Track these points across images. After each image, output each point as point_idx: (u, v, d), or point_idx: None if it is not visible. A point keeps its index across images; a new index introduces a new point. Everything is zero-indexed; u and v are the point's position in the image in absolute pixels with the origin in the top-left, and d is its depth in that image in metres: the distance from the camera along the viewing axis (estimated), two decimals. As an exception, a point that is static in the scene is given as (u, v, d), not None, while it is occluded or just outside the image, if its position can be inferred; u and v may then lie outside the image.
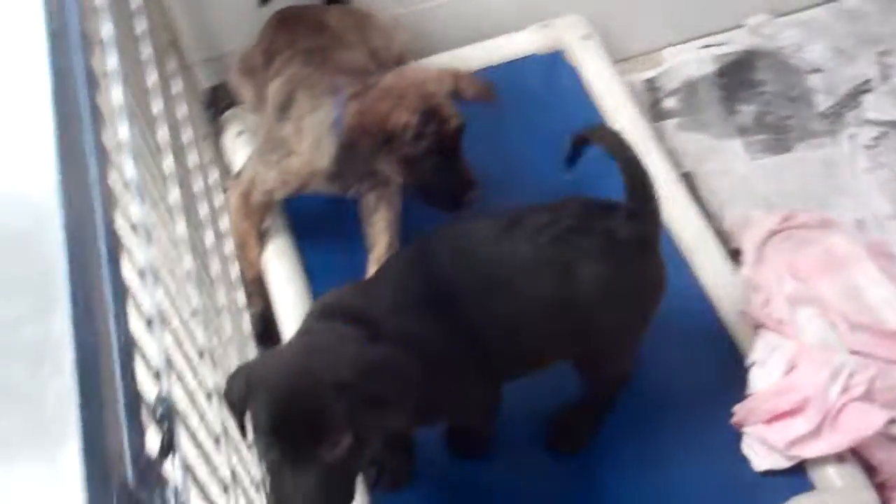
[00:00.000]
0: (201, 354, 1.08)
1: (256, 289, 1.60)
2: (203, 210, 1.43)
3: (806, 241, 1.52)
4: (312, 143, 1.43)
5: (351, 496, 1.02)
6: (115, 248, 0.69)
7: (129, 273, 0.85)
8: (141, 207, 0.91)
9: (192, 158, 1.46)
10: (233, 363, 1.30)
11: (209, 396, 1.05)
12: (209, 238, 1.42)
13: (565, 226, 1.18)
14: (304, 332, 1.13)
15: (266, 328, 1.60)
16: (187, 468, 0.85)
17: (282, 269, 1.58)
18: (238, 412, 1.03)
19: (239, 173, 1.59)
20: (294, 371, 1.02)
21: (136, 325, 0.83)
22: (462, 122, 1.38)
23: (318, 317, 1.14)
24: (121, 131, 0.94)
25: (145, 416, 0.78)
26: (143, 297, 0.85)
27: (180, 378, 0.94)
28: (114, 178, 0.84)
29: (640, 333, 1.29)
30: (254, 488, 1.16)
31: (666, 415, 1.42)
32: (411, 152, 1.36)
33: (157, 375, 0.82)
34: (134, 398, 0.61)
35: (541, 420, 1.41)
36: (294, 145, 1.45)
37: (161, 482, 0.62)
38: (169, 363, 0.87)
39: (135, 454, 0.57)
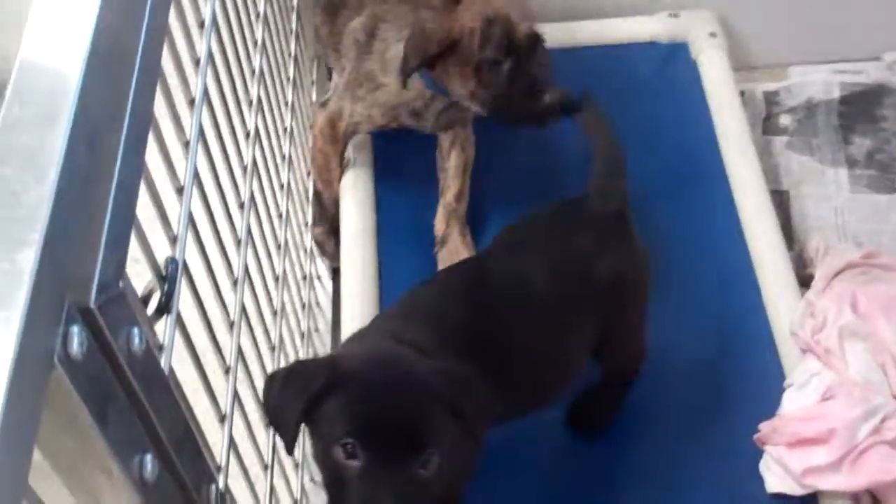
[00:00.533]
0: (239, 243, 1.10)
1: (327, 213, 1.64)
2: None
3: (878, 279, 1.48)
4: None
5: None
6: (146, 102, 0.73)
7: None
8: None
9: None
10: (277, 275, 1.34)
11: (235, 283, 1.08)
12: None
13: (558, 233, 1.20)
14: (368, 343, 1.07)
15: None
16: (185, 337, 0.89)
17: (355, 197, 1.62)
18: (305, 403, 0.93)
19: (325, 101, 1.62)
20: (398, 376, 0.94)
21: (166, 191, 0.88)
22: (534, 31, 1.36)
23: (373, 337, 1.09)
24: None
25: (151, 271, 0.82)
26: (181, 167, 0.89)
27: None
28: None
29: (645, 308, 1.29)
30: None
31: (693, 417, 1.41)
32: (479, 58, 1.35)
33: (174, 240, 0.86)
34: (120, 232, 0.64)
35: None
36: (380, 78, 1.47)
37: (131, 322, 0.65)
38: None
39: (104, 282, 0.61)
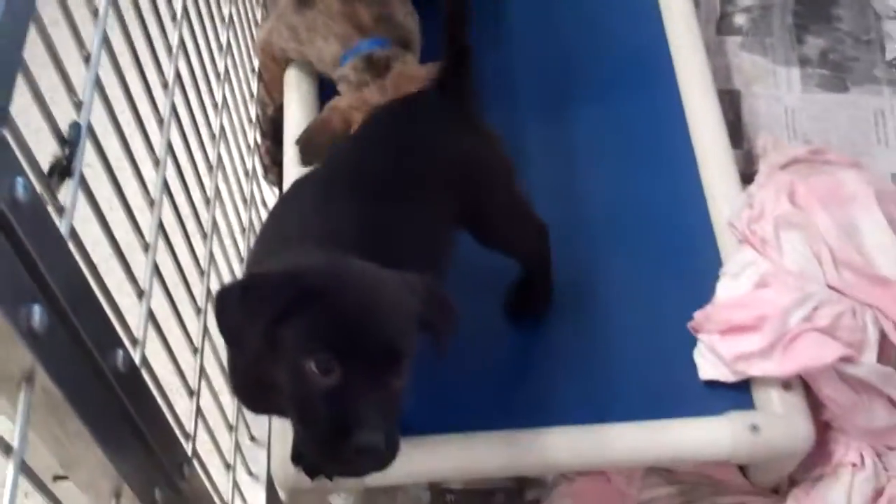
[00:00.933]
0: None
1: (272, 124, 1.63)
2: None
3: (820, 171, 1.48)
4: (316, 59, 1.48)
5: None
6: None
7: None
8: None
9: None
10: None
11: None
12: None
13: (405, 123, 1.20)
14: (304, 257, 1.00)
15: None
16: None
17: (299, 98, 1.59)
18: (270, 320, 0.88)
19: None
20: (371, 288, 0.91)
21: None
22: None
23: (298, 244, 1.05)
24: None
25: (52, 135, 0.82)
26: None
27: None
28: None
29: (515, 190, 1.29)
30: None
31: (629, 306, 1.42)
32: None
33: (77, 105, 0.85)
34: (5, 70, 0.63)
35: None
36: (303, 35, 1.48)
37: (15, 170, 0.64)
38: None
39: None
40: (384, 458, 0.89)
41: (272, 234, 1.13)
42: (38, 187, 0.76)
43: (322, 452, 0.90)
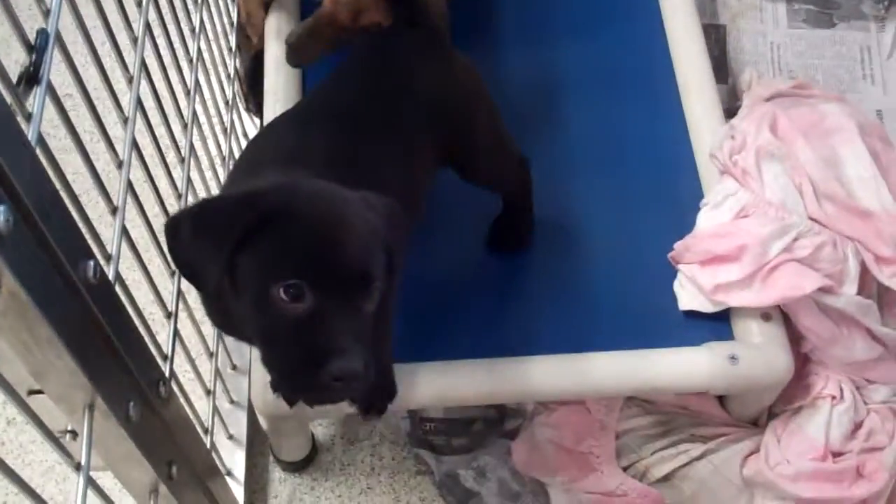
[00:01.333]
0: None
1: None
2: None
3: (801, 103, 1.48)
4: None
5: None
6: None
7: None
8: None
9: None
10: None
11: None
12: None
13: (378, 60, 1.19)
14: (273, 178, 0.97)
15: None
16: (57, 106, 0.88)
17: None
18: (231, 247, 0.85)
19: None
20: (338, 210, 0.88)
21: None
22: None
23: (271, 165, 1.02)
24: None
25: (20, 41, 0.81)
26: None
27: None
28: None
29: (496, 123, 1.28)
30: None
31: (610, 237, 1.42)
32: None
33: (46, 13, 0.84)
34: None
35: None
36: None
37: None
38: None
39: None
40: (364, 383, 0.87)
41: (245, 163, 1.12)
42: (7, 96, 0.75)
43: (298, 383, 0.88)
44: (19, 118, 0.77)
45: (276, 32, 1.55)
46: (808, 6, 1.85)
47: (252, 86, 1.65)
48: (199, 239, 0.86)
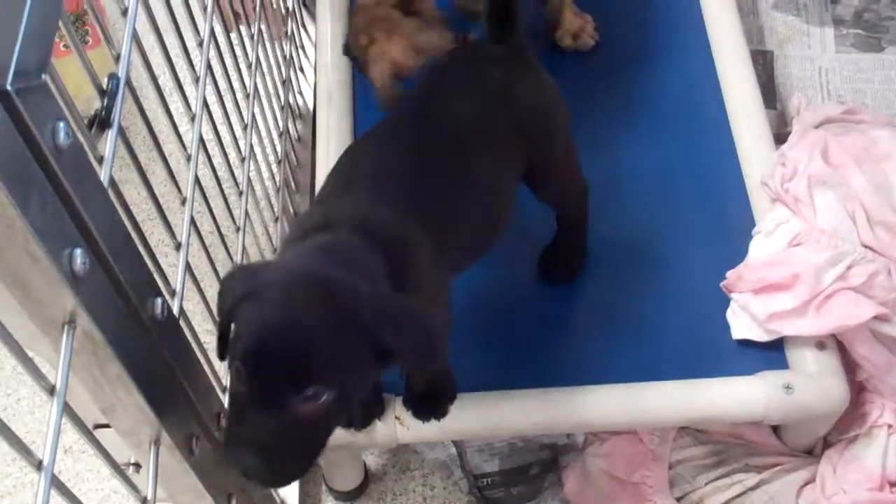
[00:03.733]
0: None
1: None
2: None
3: (852, 129, 1.47)
4: None
5: (315, 456, 0.88)
6: None
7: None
8: None
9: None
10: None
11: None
12: None
13: (469, 73, 1.18)
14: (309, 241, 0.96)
15: None
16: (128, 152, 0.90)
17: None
18: (224, 319, 0.88)
19: None
20: (300, 299, 0.85)
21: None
22: None
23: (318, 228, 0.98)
24: None
25: (92, 85, 0.83)
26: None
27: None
28: None
29: (569, 142, 1.28)
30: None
31: (662, 265, 1.42)
32: None
33: (117, 59, 0.86)
34: (43, 27, 0.64)
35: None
36: None
37: (57, 115, 0.65)
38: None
39: (24, 69, 0.61)
40: (260, 476, 0.84)
41: (331, 185, 1.11)
42: (80, 135, 0.77)
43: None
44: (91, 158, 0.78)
45: (328, 66, 1.58)
46: (856, 31, 1.84)
47: None
48: (219, 295, 0.91)
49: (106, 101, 0.81)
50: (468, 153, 1.12)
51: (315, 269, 0.88)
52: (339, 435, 1.25)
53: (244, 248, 1.25)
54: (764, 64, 1.80)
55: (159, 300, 0.83)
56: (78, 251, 0.68)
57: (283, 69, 1.61)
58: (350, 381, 0.85)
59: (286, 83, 1.60)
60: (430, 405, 1.26)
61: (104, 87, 0.82)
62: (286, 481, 0.89)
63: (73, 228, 0.69)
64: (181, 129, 1.03)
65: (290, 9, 1.71)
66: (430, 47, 1.39)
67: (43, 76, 0.64)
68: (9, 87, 0.60)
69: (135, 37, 0.89)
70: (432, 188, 1.06)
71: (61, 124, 0.66)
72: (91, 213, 0.70)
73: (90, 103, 0.81)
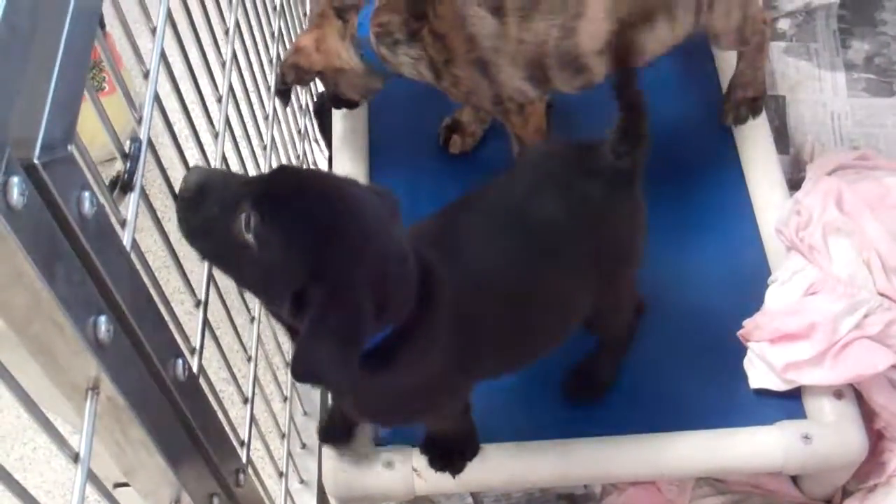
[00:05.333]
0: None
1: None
2: None
3: (866, 177, 1.47)
4: None
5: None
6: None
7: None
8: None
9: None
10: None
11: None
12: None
13: (566, 173, 1.15)
14: None
15: None
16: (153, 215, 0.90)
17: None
18: None
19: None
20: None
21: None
22: None
23: None
24: None
25: (115, 149, 0.84)
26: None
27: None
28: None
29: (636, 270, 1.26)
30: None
31: (677, 315, 1.41)
32: None
33: (139, 121, 0.87)
34: (69, 97, 0.65)
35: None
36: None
37: (82, 185, 0.66)
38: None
39: (50, 141, 0.62)
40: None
41: (416, 231, 1.07)
42: (103, 199, 0.78)
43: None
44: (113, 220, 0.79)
45: (344, 112, 1.59)
46: (868, 75, 1.85)
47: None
48: None
49: (128, 165, 0.82)
50: (550, 256, 1.11)
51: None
52: (357, 485, 1.25)
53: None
54: (776, 109, 1.81)
55: (180, 361, 0.84)
56: (102, 318, 0.68)
57: (299, 119, 1.62)
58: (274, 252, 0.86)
59: (302, 133, 1.61)
60: (448, 459, 1.26)
61: (126, 150, 0.83)
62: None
63: (97, 295, 0.69)
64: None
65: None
66: (333, 56, 1.35)
67: (69, 147, 0.65)
68: (36, 161, 0.61)
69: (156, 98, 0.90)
70: (506, 273, 1.07)
71: (86, 194, 0.67)
72: (114, 278, 0.71)
73: (106, 149, 0.81)
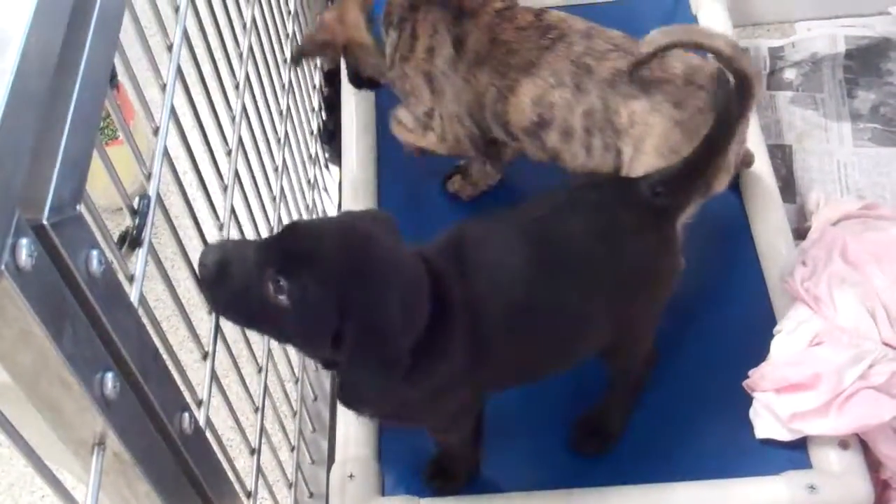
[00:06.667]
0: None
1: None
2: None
3: (871, 227, 1.48)
4: None
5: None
6: None
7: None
8: None
9: None
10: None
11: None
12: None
13: (601, 200, 1.17)
14: None
15: None
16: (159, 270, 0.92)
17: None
18: None
19: None
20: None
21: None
22: None
23: None
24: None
25: (123, 206, 0.85)
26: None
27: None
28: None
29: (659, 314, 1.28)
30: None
31: (683, 364, 1.42)
32: None
33: (148, 177, 0.89)
34: (77, 159, 0.66)
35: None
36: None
37: (90, 244, 0.67)
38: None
39: (59, 202, 0.63)
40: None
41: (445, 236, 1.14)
42: (111, 255, 0.79)
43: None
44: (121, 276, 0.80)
45: (354, 163, 1.62)
46: (873, 125, 1.86)
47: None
48: None
49: (137, 221, 0.83)
50: (571, 276, 1.12)
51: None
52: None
53: (269, 350, 1.26)
54: (783, 158, 1.83)
55: (186, 415, 0.85)
56: (109, 375, 0.69)
57: (308, 169, 1.64)
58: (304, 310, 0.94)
59: (312, 183, 1.63)
60: (446, 476, 1.31)
61: (135, 206, 0.84)
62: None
63: (104, 352, 0.70)
64: (206, 233, 1.05)
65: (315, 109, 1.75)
66: (353, 28, 1.41)
67: (78, 207, 0.66)
68: (45, 222, 0.62)
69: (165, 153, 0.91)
70: (527, 286, 1.10)
71: (94, 252, 0.68)
72: (121, 335, 0.72)
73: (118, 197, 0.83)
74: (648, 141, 1.25)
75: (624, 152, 1.28)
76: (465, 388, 1.12)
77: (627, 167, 1.28)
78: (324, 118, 1.83)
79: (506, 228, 1.14)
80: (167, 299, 0.96)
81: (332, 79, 1.81)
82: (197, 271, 0.95)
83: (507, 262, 1.11)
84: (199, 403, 0.98)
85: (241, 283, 0.93)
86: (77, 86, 0.68)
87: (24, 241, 0.59)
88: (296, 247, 0.94)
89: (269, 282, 0.93)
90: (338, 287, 0.93)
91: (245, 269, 0.93)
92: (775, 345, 1.39)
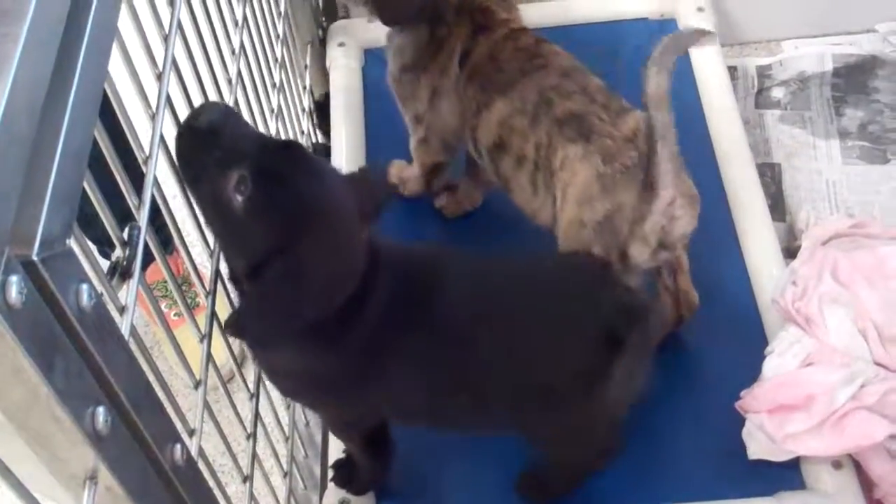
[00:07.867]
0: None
1: None
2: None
3: (862, 246, 1.48)
4: None
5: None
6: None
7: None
8: None
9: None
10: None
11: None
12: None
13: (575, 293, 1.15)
14: None
15: None
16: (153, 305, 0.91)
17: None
18: None
19: None
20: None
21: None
22: None
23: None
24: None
25: (113, 236, 0.85)
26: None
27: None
28: None
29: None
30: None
31: (675, 386, 1.42)
32: None
33: (137, 207, 0.88)
34: (66, 195, 0.66)
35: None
36: None
37: (81, 278, 0.67)
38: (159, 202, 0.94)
39: (48, 238, 0.63)
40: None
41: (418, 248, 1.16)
42: (101, 289, 0.79)
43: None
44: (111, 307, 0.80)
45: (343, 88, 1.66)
46: (862, 142, 1.87)
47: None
48: None
49: (128, 252, 0.83)
50: (516, 334, 1.10)
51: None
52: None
53: (260, 377, 1.26)
54: (772, 176, 1.83)
55: (178, 446, 0.84)
56: (100, 409, 0.69)
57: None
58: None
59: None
60: (350, 478, 1.32)
61: (125, 237, 0.84)
62: None
63: (95, 387, 0.70)
64: (197, 262, 1.05)
65: (305, 131, 1.75)
66: None
67: (68, 242, 0.66)
68: (34, 258, 0.62)
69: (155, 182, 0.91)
70: (462, 322, 1.08)
71: (84, 287, 0.68)
72: (112, 368, 0.71)
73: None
74: (570, 189, 1.24)
75: (557, 198, 1.28)
76: (342, 391, 1.10)
77: (559, 216, 1.27)
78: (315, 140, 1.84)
79: (469, 267, 1.13)
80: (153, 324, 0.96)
81: (321, 107, 1.83)
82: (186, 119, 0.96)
83: (445, 294, 1.09)
84: (191, 433, 0.97)
85: (215, 156, 0.93)
86: (66, 120, 0.68)
87: (13, 279, 0.58)
88: (281, 165, 0.93)
89: (237, 175, 0.92)
90: (293, 223, 0.92)
91: (229, 146, 0.93)
92: (767, 365, 1.39)
